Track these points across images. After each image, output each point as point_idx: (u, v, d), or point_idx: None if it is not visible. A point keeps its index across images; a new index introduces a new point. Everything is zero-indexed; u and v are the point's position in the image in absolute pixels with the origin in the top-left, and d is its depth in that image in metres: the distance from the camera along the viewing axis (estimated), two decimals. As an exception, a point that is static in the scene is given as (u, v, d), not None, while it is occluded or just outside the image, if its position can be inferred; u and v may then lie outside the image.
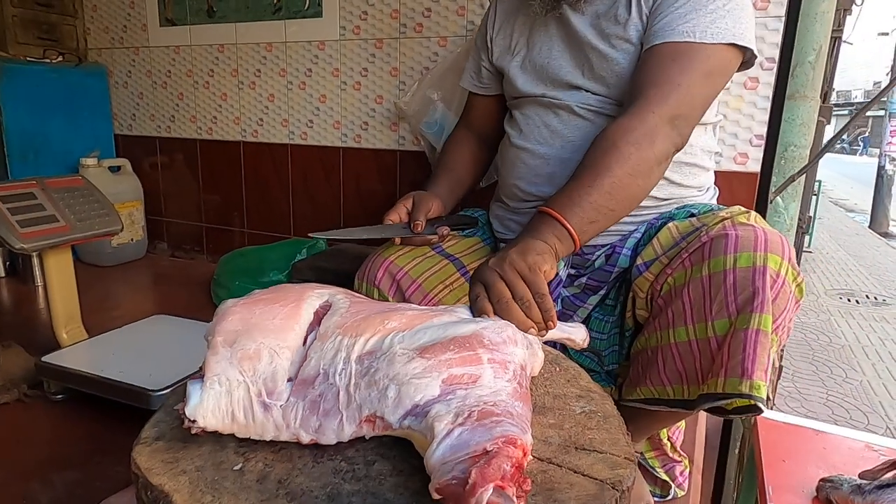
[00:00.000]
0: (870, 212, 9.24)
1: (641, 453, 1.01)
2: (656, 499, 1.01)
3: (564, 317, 0.99)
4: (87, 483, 0.99)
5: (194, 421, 0.50)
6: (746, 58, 0.90)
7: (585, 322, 0.98)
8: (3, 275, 2.17)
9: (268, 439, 0.52)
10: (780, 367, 2.57)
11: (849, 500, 1.08)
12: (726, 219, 0.81)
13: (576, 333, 0.72)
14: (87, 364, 1.24)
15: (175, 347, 1.32)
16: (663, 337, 0.82)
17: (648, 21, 0.90)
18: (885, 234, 7.40)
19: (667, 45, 0.86)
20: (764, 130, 1.41)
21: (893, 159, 9.03)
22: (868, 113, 12.05)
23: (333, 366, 0.54)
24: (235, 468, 0.50)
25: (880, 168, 9.08)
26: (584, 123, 0.97)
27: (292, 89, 2.08)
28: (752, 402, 0.72)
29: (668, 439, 1.02)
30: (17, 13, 2.22)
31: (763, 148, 1.41)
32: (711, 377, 0.75)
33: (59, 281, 1.38)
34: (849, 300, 4.93)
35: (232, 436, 0.55)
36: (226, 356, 0.54)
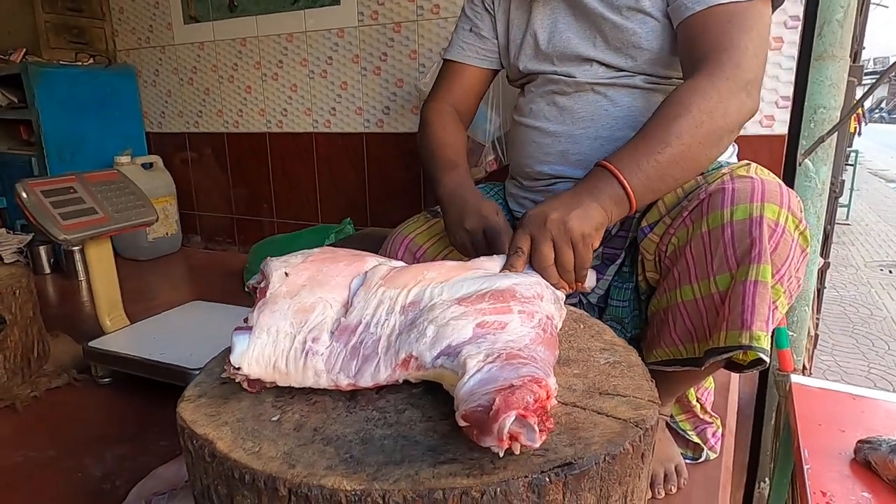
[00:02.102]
0: (911, 181, 8.90)
1: (672, 416, 1.01)
2: (688, 461, 1.01)
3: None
4: (136, 457, 1.04)
5: (239, 368, 0.53)
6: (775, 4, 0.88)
7: (607, 293, 0.99)
8: (48, 271, 2.26)
9: (308, 385, 0.55)
10: (816, 336, 2.52)
11: (888, 460, 1.06)
12: (725, 173, 0.81)
13: (588, 280, 0.74)
14: (131, 347, 1.29)
15: (212, 329, 1.37)
16: (672, 297, 0.82)
17: None
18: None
19: (719, 8, 0.83)
20: (790, 91, 1.38)
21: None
22: (907, 79, 11.55)
23: (376, 316, 0.57)
24: (273, 419, 0.53)
25: (921, 135, 8.71)
26: (594, 97, 0.96)
27: (314, 78, 2.11)
28: (755, 353, 0.72)
29: (698, 401, 1.02)
30: (49, 19, 2.30)
31: (790, 110, 1.38)
32: (715, 332, 0.75)
33: (100, 270, 1.44)
34: (890, 272, 4.78)
35: (269, 392, 0.58)
36: (282, 308, 0.57)
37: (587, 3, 0.94)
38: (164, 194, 2.42)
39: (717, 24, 0.83)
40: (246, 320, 0.57)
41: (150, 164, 2.44)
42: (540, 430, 0.41)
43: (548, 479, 0.43)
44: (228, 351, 0.55)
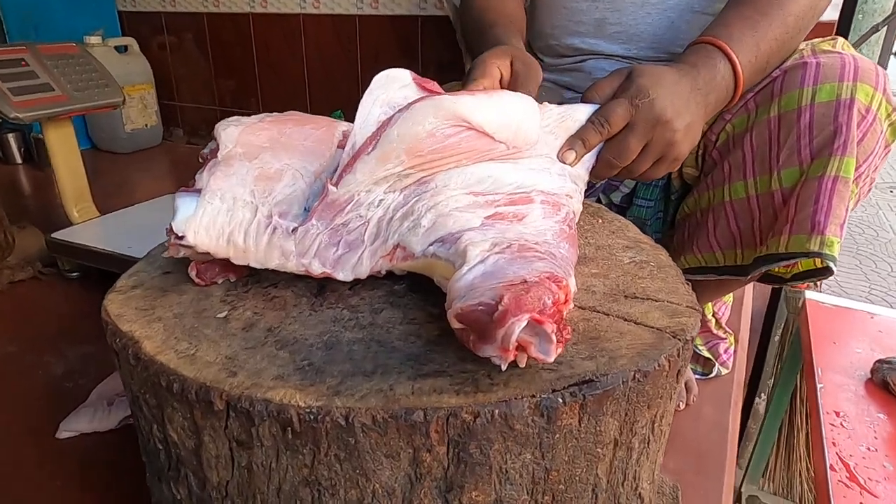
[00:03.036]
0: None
1: (684, 329, 0.93)
2: (697, 377, 0.93)
3: (610, 187, 0.87)
4: (100, 356, 0.97)
5: (182, 237, 0.42)
6: None
7: (632, 191, 0.86)
8: (19, 161, 2.12)
9: (270, 267, 0.44)
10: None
11: (910, 381, 1.00)
12: (805, 48, 0.66)
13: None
14: (97, 240, 1.19)
15: (187, 224, 1.26)
16: (716, 195, 0.70)
17: None
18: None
19: None
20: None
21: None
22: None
23: (373, 194, 0.45)
24: (219, 316, 0.43)
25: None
26: (619, 64, 0.79)
27: (301, -51, 1.87)
28: (823, 262, 0.61)
29: (714, 315, 0.93)
30: None
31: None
32: (773, 236, 0.64)
33: (63, 157, 1.31)
34: (900, 193, 4.65)
35: (220, 286, 0.47)
36: (240, 171, 0.45)
37: None
38: (141, 81, 2.23)
39: None
40: (192, 184, 0.46)
41: (125, 48, 2.22)
42: (557, 341, 0.31)
43: (561, 400, 0.33)
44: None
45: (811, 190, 0.60)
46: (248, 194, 0.44)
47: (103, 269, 1.16)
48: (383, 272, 0.45)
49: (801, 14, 0.63)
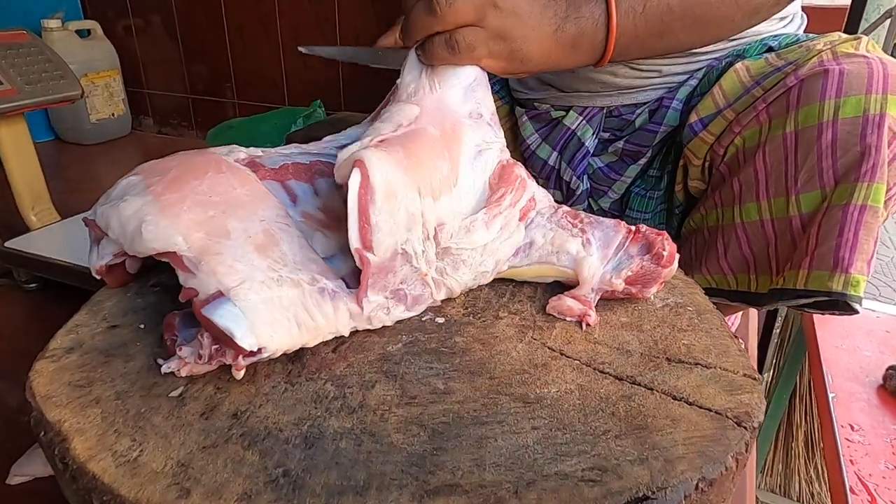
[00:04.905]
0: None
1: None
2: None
3: (597, 193, 0.79)
4: (61, 381, 0.88)
5: (260, 350, 0.34)
6: None
7: (624, 199, 0.79)
8: (-25, 155, 1.98)
9: (346, 334, 0.38)
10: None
11: (927, 391, 0.95)
12: (824, 50, 0.58)
13: None
14: (57, 249, 1.09)
15: (155, 229, 1.16)
16: (726, 215, 0.63)
17: None
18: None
19: None
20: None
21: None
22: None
23: (411, 244, 0.39)
24: (173, 394, 0.34)
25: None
26: None
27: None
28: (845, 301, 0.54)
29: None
30: None
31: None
32: (790, 268, 0.57)
33: (16, 156, 1.20)
34: None
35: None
36: (233, 253, 0.36)
37: None
38: (105, 68, 2.09)
39: None
40: (189, 300, 0.36)
41: (88, 32, 2.08)
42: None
43: (610, 527, 0.25)
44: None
45: (835, 220, 0.53)
46: (267, 270, 0.36)
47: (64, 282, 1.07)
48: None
49: None
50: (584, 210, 0.81)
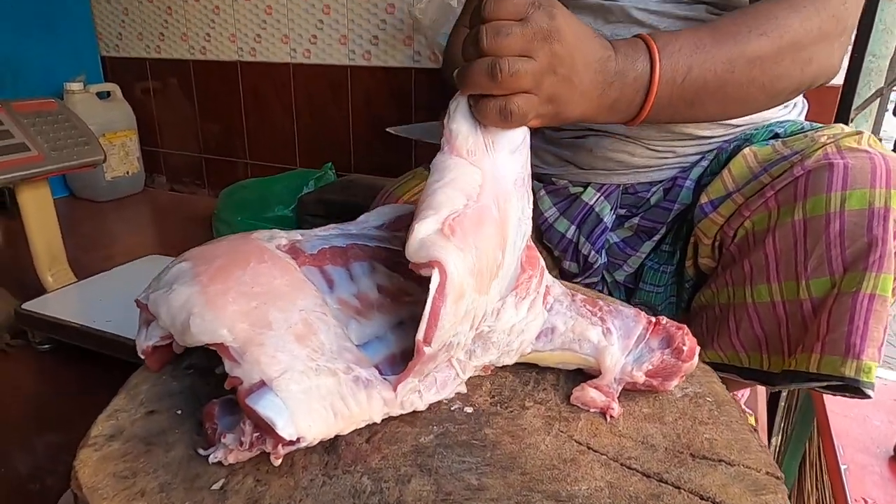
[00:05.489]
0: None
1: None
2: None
3: (613, 266, 0.82)
4: (73, 448, 0.87)
5: (299, 439, 0.35)
6: None
7: (638, 273, 0.81)
8: (-8, 211, 2.03)
9: (378, 421, 0.40)
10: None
11: (941, 466, 0.95)
12: (828, 143, 0.62)
13: None
14: (71, 312, 1.10)
15: (170, 292, 1.18)
16: (737, 294, 0.65)
17: None
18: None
19: None
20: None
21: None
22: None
23: (459, 336, 0.40)
24: (215, 487, 0.36)
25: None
26: (641, 30, 0.75)
27: (292, -1, 1.85)
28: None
29: (733, 396, 0.88)
30: (-19, -84, 1.96)
31: (849, 57, 1.19)
32: (802, 351, 0.59)
33: (38, 219, 1.23)
34: None
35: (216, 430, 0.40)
36: (275, 344, 0.38)
37: None
38: (123, 128, 2.17)
39: None
40: (232, 387, 0.38)
41: (108, 94, 2.17)
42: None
43: None
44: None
45: (845, 307, 0.55)
46: (306, 359, 0.38)
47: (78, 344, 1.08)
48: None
49: (760, 60, 0.56)
50: (599, 282, 0.84)
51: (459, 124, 0.45)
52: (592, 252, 0.81)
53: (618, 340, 0.44)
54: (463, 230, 0.38)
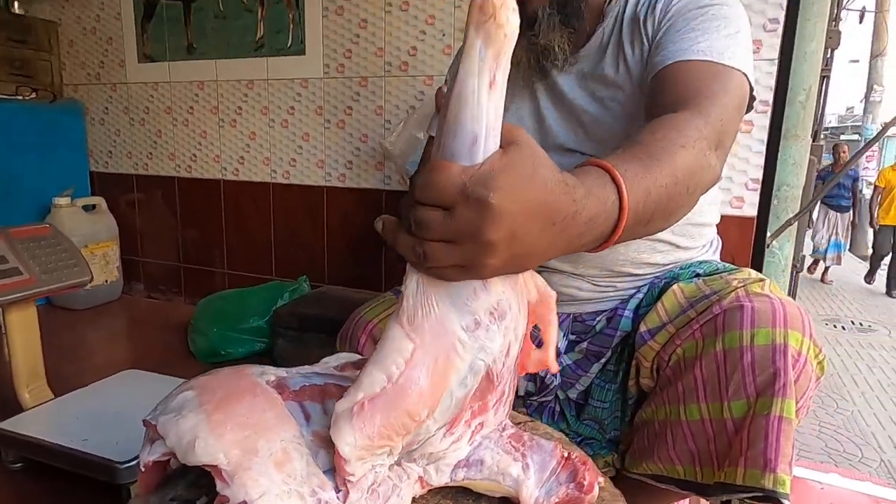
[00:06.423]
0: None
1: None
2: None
3: (566, 385, 0.93)
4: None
5: None
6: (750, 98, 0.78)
7: (587, 391, 0.92)
8: (-34, 320, 2.05)
9: None
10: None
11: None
12: (739, 287, 0.76)
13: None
14: (47, 431, 1.14)
15: (147, 409, 1.23)
16: (672, 412, 0.76)
17: (656, 44, 0.80)
18: (865, 258, 7.47)
19: (699, 64, 0.73)
20: (759, 174, 1.38)
21: (869, 184, 9.17)
22: (842, 137, 12.34)
23: (377, 466, 0.51)
24: None
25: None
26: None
27: (274, 127, 2.03)
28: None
29: (676, 510, 0.96)
30: (-11, 49, 2.15)
31: (759, 191, 1.38)
32: (729, 465, 0.69)
33: (21, 338, 1.29)
34: (835, 326, 4.93)
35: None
36: (259, 469, 0.47)
37: (567, 96, 0.90)
38: (105, 239, 2.26)
39: (698, 75, 0.73)
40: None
41: (93, 206, 2.28)
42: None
43: None
44: None
45: (760, 427, 0.66)
46: (281, 483, 0.46)
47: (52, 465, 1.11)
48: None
49: (689, 170, 0.59)
50: (552, 399, 0.94)
51: (406, 286, 0.47)
52: (549, 374, 0.92)
53: (534, 475, 0.53)
54: (372, 409, 0.46)
